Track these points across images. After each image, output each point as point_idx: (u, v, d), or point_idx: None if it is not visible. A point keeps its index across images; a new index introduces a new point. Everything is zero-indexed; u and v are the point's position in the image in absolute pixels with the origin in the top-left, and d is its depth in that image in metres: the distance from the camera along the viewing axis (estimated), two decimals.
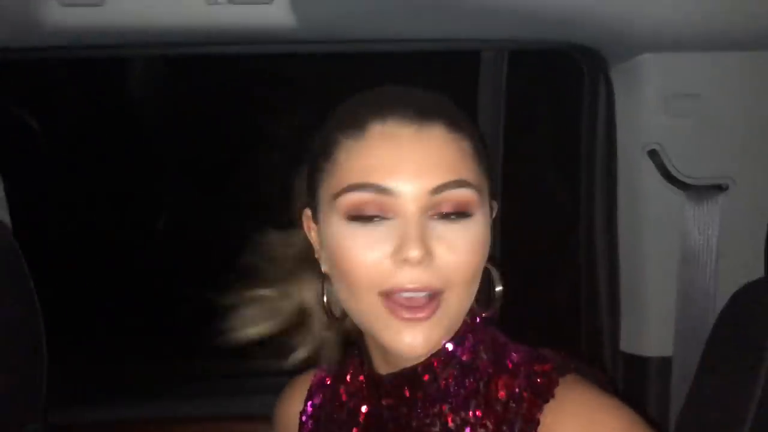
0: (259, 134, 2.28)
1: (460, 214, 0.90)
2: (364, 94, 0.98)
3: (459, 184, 0.89)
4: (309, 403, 1.14)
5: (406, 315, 0.88)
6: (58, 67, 1.87)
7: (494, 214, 1.01)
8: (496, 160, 1.80)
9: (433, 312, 0.89)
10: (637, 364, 1.55)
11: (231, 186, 2.31)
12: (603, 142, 1.55)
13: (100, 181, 2.24)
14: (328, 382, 1.12)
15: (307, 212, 1.00)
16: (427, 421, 0.96)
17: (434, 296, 0.89)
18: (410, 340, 0.89)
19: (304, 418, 1.13)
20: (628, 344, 1.58)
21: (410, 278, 0.88)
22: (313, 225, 0.99)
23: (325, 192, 0.93)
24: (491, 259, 0.98)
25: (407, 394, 0.97)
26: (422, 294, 0.88)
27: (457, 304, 0.92)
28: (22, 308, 1.03)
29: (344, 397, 1.07)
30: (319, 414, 1.12)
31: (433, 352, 0.95)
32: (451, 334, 0.96)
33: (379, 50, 1.51)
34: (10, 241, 1.11)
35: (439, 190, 0.88)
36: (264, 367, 1.78)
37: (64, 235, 2.11)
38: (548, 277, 1.90)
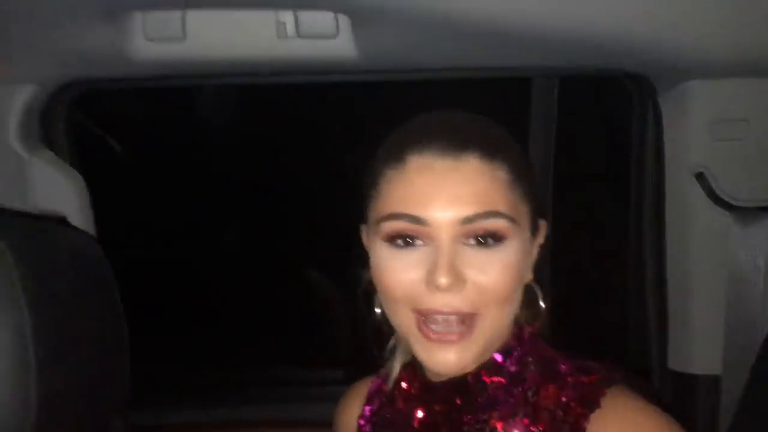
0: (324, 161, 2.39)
1: (491, 241, 0.95)
2: (408, 124, 1.03)
3: (490, 214, 0.94)
4: (367, 408, 1.19)
5: (437, 337, 0.95)
6: (140, 94, 2.01)
7: (543, 232, 1.06)
8: (546, 184, 1.85)
9: (464, 335, 0.95)
10: (686, 382, 1.57)
11: (293, 205, 2.43)
12: (651, 166, 1.59)
13: (175, 198, 2.38)
14: (385, 389, 1.17)
15: (364, 229, 1.08)
16: (477, 426, 1.01)
17: (466, 318, 0.95)
18: (442, 360, 0.96)
19: (362, 422, 1.18)
20: (676, 362, 1.60)
21: (442, 302, 0.94)
22: (366, 242, 1.07)
23: (371, 216, 1.01)
24: (538, 276, 1.04)
25: (458, 401, 1.03)
26: (453, 317, 0.95)
27: (492, 324, 0.97)
28: (109, 314, 1.10)
29: (400, 403, 1.12)
30: (376, 419, 1.17)
31: (476, 366, 1.01)
32: (489, 350, 1.01)
33: (436, 78, 1.59)
34: (99, 253, 1.18)
35: (470, 220, 0.94)
36: (324, 375, 1.86)
37: (144, 248, 2.25)
38: (597, 296, 1.93)
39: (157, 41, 1.32)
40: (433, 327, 0.95)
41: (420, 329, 0.96)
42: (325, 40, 1.33)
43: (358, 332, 1.15)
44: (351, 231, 1.10)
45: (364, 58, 1.39)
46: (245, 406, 1.75)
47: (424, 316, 0.96)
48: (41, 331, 0.86)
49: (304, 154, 2.40)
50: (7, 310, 0.84)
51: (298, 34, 1.33)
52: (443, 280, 0.92)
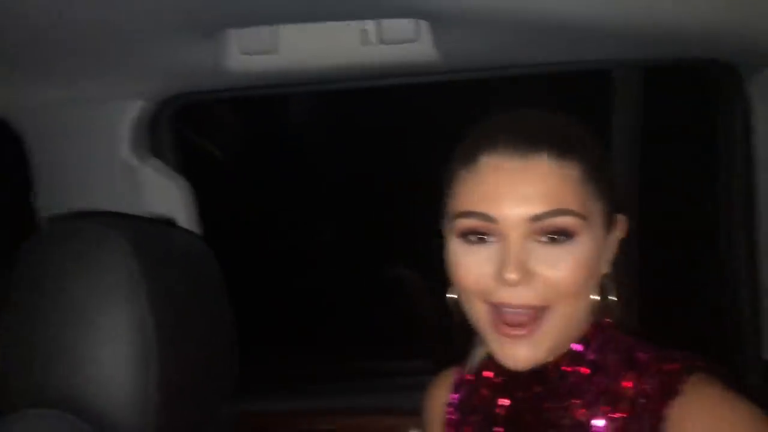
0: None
1: (561, 237, 0.97)
2: (481, 125, 1.06)
3: (560, 212, 0.96)
4: (454, 396, 1.23)
5: (507, 331, 0.99)
6: (238, 104, 2.13)
7: (622, 227, 1.07)
8: (632, 178, 1.84)
9: (534, 330, 0.98)
10: None
11: (381, 203, 2.50)
12: (741, 153, 1.56)
13: (272, 199, 2.50)
14: (470, 378, 1.22)
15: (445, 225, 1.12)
16: (559, 414, 1.04)
17: (537, 312, 0.98)
18: (513, 354, 1.00)
19: (449, 410, 1.23)
20: None
21: (510, 296, 0.98)
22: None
23: (448, 214, 1.05)
24: (626, 270, 1.08)
25: (539, 389, 1.06)
26: (523, 311, 0.98)
27: (564, 317, 0.99)
28: (218, 308, 1.18)
29: (484, 391, 1.16)
30: (463, 406, 1.21)
31: (554, 357, 1.03)
32: (566, 342, 1.04)
33: (516, 74, 1.62)
34: (207, 251, 1.27)
35: (539, 218, 0.96)
36: (412, 366, 1.93)
37: (246, 247, 2.39)
38: (688, 289, 1.90)
39: (251, 54, 1.41)
40: (506, 317, 0.99)
41: (493, 323, 1.00)
42: (406, 44, 1.39)
43: (443, 325, 1.19)
44: (436, 228, 1.14)
45: (444, 60, 1.43)
46: (337, 395, 1.84)
47: (496, 312, 1.00)
48: (160, 322, 0.95)
49: (392, 156, 2.47)
50: (131, 302, 0.93)
51: (381, 40, 1.39)
52: (511, 275, 0.95)
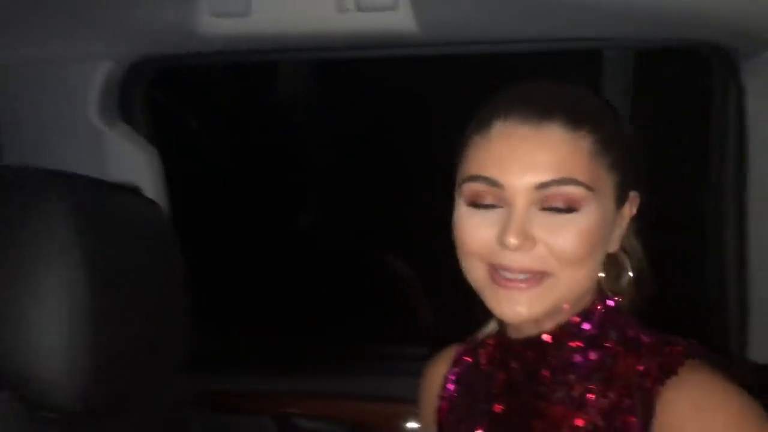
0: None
1: (566, 207, 0.96)
2: (500, 94, 1.05)
3: (566, 181, 0.95)
4: (453, 371, 1.22)
5: (506, 283, 0.98)
6: (212, 71, 2.07)
7: (634, 204, 1.06)
8: None
9: (533, 285, 0.98)
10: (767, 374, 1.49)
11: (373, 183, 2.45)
12: (733, 141, 1.50)
13: (251, 173, 2.45)
14: (469, 352, 1.22)
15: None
16: (553, 387, 1.03)
17: (535, 277, 0.97)
18: (512, 305, 0.99)
19: (448, 385, 1.22)
20: (757, 353, 1.51)
21: (510, 259, 0.97)
22: None
23: (458, 179, 1.04)
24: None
25: (533, 359, 1.05)
26: (522, 275, 0.97)
27: (565, 284, 0.99)
28: (171, 282, 1.15)
29: (483, 365, 1.16)
30: (462, 381, 1.20)
31: (553, 326, 1.03)
32: (566, 313, 1.03)
33: (502, 51, 1.56)
34: (166, 223, 1.24)
35: (545, 186, 0.95)
36: (410, 352, 1.89)
37: (222, 222, 2.34)
38: (674, 281, 1.85)
39: (222, 17, 1.36)
40: (504, 281, 0.98)
41: (492, 278, 1.00)
42: (385, 12, 1.34)
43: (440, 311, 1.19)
44: (433, 212, 1.13)
45: (425, 31, 1.38)
46: (332, 378, 1.80)
47: (496, 274, 0.99)
48: (95, 284, 0.91)
49: (380, 129, 2.41)
50: (64, 260, 0.89)
51: (358, 7, 1.34)
52: (512, 240, 0.95)
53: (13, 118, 1.58)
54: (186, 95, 2.09)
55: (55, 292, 0.88)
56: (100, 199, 1.03)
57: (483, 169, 0.99)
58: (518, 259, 0.97)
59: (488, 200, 0.99)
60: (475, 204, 1.00)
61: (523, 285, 0.98)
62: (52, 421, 0.93)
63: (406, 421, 1.64)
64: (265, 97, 2.35)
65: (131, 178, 1.55)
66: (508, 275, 0.98)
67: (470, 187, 1.00)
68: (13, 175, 0.99)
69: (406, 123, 2.40)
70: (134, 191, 1.49)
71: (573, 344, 1.03)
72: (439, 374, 1.25)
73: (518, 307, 0.99)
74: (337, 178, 2.58)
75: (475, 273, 1.03)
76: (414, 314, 2.27)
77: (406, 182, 2.38)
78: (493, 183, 0.98)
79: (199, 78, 2.02)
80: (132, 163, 1.57)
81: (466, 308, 1.13)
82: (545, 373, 1.04)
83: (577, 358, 1.03)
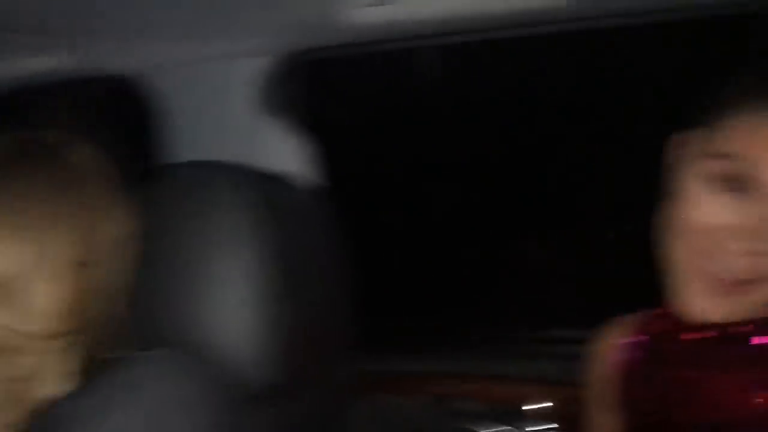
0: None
1: None
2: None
3: None
4: (639, 337, 1.13)
5: (711, 283, 0.91)
6: (363, 61, 2.09)
7: None
8: None
9: (736, 290, 0.90)
10: None
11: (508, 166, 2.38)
12: None
13: (400, 158, 2.46)
14: (651, 326, 1.12)
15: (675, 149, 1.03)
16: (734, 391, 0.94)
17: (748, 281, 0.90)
18: (704, 307, 0.92)
19: (627, 352, 1.13)
20: None
21: (743, 263, 0.88)
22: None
23: (696, 146, 0.96)
24: None
25: (721, 355, 0.96)
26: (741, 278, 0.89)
27: None
28: (335, 267, 1.17)
29: (671, 337, 1.05)
30: (647, 348, 1.11)
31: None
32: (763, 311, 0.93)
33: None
34: (326, 209, 1.24)
35: None
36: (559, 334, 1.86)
37: (380, 208, 2.38)
38: None
39: (371, 5, 1.36)
40: (720, 280, 0.89)
41: (701, 272, 0.90)
42: None
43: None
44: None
45: (579, 6, 1.31)
46: (487, 359, 1.81)
47: (708, 262, 0.90)
48: (274, 268, 0.94)
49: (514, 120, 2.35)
50: (247, 248, 0.92)
51: None
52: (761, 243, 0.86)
53: (172, 116, 1.64)
54: (339, 87, 2.13)
55: (241, 276, 0.91)
56: (273, 192, 1.07)
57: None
58: (752, 264, 0.89)
59: (735, 185, 0.90)
60: (716, 185, 0.91)
61: (725, 289, 0.92)
62: (239, 402, 0.96)
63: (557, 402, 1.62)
64: (410, 85, 2.36)
65: (292, 170, 1.59)
66: (726, 275, 0.91)
67: (721, 166, 0.91)
68: (193, 170, 1.04)
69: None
70: (297, 182, 1.53)
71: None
72: (619, 338, 1.15)
73: (715, 309, 0.93)
74: (475, 157, 2.55)
75: (681, 257, 0.95)
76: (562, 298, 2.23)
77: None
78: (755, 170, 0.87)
79: (351, 69, 2.05)
80: (292, 156, 1.61)
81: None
82: (731, 371, 0.95)
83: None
